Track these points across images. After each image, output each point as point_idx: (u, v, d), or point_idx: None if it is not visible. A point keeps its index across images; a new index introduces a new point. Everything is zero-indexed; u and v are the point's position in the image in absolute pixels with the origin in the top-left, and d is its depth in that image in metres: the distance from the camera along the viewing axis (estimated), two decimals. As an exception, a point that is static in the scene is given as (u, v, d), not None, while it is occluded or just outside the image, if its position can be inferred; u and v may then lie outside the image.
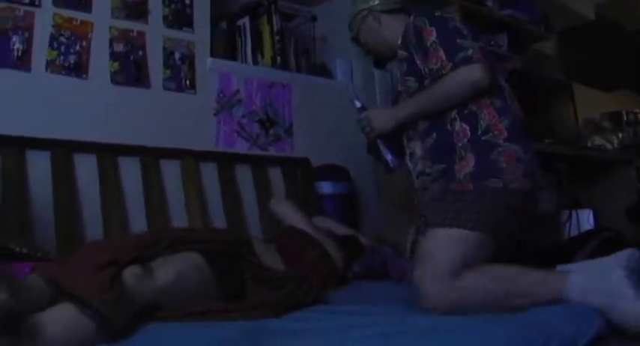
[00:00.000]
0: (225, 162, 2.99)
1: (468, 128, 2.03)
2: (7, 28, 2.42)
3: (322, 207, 3.15)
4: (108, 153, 2.59)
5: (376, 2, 2.38)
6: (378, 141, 2.30)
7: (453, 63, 2.01)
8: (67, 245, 2.31)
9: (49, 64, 2.52)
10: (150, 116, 2.78)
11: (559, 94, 4.33)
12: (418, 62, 2.15)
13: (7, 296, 1.27)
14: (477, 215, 1.85)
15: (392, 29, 2.32)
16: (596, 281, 1.61)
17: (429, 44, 2.08)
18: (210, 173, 2.92)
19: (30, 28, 2.48)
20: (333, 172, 3.24)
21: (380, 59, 2.48)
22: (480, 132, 2.00)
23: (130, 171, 2.65)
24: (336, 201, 3.18)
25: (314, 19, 3.57)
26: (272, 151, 3.23)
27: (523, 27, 4.07)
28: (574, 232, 3.94)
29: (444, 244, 1.82)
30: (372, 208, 3.51)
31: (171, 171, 2.78)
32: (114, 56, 2.71)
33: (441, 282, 1.75)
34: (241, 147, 3.11)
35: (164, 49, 2.88)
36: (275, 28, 3.27)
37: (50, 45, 2.53)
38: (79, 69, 2.59)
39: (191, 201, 2.79)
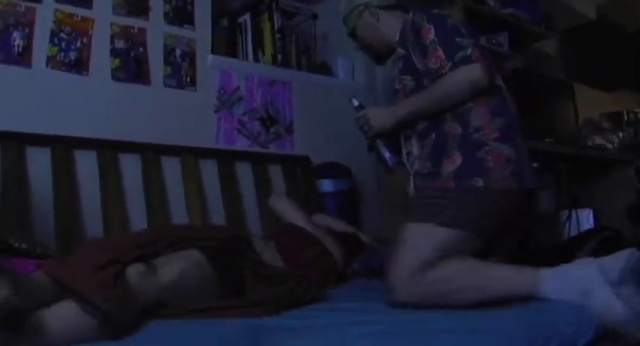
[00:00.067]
0: (226, 159, 2.99)
1: (458, 126, 2.02)
2: (8, 24, 2.42)
3: (323, 204, 3.15)
4: (108, 150, 2.59)
5: None
6: (377, 140, 2.30)
7: (452, 62, 2.00)
8: (67, 241, 2.32)
9: (50, 60, 2.52)
10: (150, 113, 2.78)
11: (560, 94, 4.33)
12: (415, 60, 2.14)
13: (10, 293, 1.27)
14: (459, 212, 1.86)
15: (389, 25, 2.31)
16: (570, 278, 1.63)
17: (428, 42, 2.07)
18: (210, 170, 2.93)
19: (31, 24, 2.48)
20: (334, 170, 3.24)
21: (378, 55, 2.47)
22: (470, 131, 1.99)
23: (130, 167, 2.65)
24: (337, 199, 3.19)
25: (315, 16, 3.57)
26: (272, 149, 3.23)
27: (524, 26, 4.06)
28: (574, 232, 3.93)
29: (419, 239, 1.84)
30: (372, 206, 3.51)
31: (171, 168, 2.78)
32: (115, 53, 2.71)
33: (411, 276, 1.77)
34: (242, 144, 3.11)
35: (165, 45, 2.88)
36: (276, 26, 3.27)
37: (51, 41, 2.53)
38: (79, 65, 2.59)
39: (191, 197, 2.79)
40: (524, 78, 3.90)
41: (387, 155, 2.30)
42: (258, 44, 3.27)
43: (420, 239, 1.84)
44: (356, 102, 2.36)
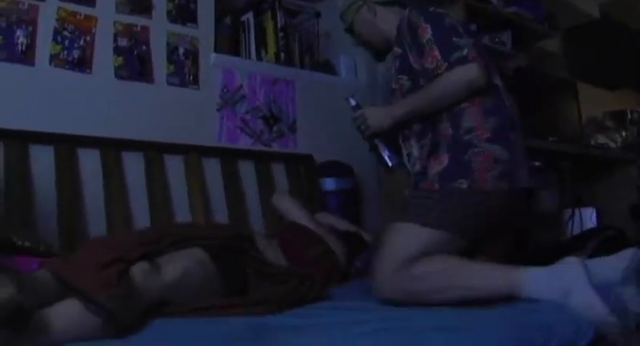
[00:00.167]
0: (228, 157, 2.99)
1: (450, 127, 2.02)
2: (11, 22, 2.42)
3: (326, 203, 3.15)
4: (111, 148, 2.59)
5: None
6: (376, 139, 2.30)
7: (449, 63, 1.99)
8: (70, 239, 2.32)
9: (53, 58, 2.52)
10: (153, 111, 2.78)
11: (563, 93, 4.33)
12: (411, 60, 2.13)
13: (15, 291, 1.27)
14: (443, 214, 1.86)
15: (387, 21, 2.29)
16: (553, 278, 1.62)
17: (424, 42, 2.06)
18: (213, 168, 2.92)
19: (34, 22, 2.48)
20: (337, 168, 3.24)
21: (377, 51, 2.46)
22: (461, 132, 1.99)
23: (133, 165, 2.65)
24: (340, 197, 3.19)
25: (318, 15, 3.57)
26: (275, 147, 3.23)
27: (527, 25, 4.06)
28: (577, 231, 3.93)
29: (404, 238, 1.86)
30: (375, 204, 3.51)
31: (174, 166, 2.79)
32: (118, 51, 2.71)
33: (395, 273, 1.79)
34: (244, 142, 3.11)
35: (168, 44, 2.88)
36: (279, 24, 3.27)
37: (54, 39, 2.53)
38: (82, 63, 2.59)
39: (194, 196, 2.79)
40: (527, 77, 3.90)
41: (386, 154, 2.30)
42: (261, 43, 3.27)
43: (405, 238, 1.86)
44: (353, 102, 2.36)
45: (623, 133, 4.55)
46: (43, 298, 1.42)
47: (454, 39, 2.01)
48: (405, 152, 2.26)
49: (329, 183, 3.19)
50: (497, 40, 3.93)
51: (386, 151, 2.29)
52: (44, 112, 2.46)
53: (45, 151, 2.41)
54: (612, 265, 1.62)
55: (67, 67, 2.55)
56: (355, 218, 3.16)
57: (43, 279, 1.51)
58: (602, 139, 4.45)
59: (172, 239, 1.80)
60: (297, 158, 3.26)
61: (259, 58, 3.25)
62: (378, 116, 2.23)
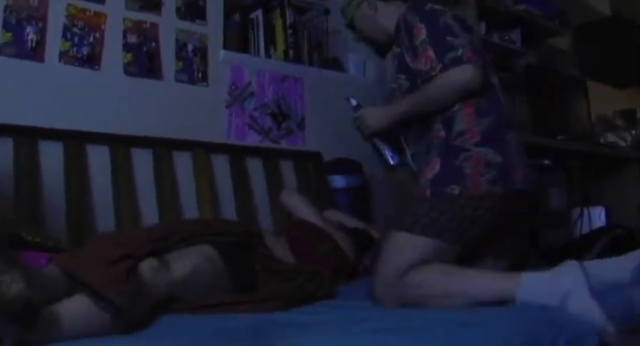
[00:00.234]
0: (237, 154, 2.99)
1: (442, 130, 2.01)
2: (21, 18, 2.43)
3: (334, 200, 3.15)
4: (120, 145, 2.60)
5: None
6: (375, 139, 2.30)
7: (443, 64, 1.96)
8: (79, 235, 2.32)
9: (63, 55, 2.52)
10: (162, 108, 2.78)
11: (573, 90, 4.32)
12: (408, 60, 2.12)
13: (24, 286, 1.27)
14: (436, 222, 1.85)
15: (388, 17, 2.28)
16: (549, 284, 1.60)
17: (418, 43, 2.03)
18: (221, 165, 2.93)
19: (43, 19, 2.48)
20: (345, 166, 3.24)
21: (379, 47, 2.45)
22: (453, 136, 1.97)
23: (142, 162, 2.66)
24: (349, 195, 3.18)
25: (327, 12, 3.56)
26: (284, 145, 3.23)
27: (537, 22, 4.04)
28: (586, 229, 3.92)
29: (398, 248, 1.85)
30: (383, 202, 3.50)
31: (182, 163, 2.79)
32: (127, 47, 2.71)
33: (388, 285, 1.79)
34: (253, 140, 3.11)
35: (177, 40, 2.88)
36: (288, 22, 3.27)
37: (64, 36, 2.53)
38: (92, 60, 2.60)
39: (202, 192, 2.79)
40: (537, 74, 3.89)
41: (387, 153, 2.30)
42: (270, 40, 3.27)
43: (399, 248, 1.85)
44: (354, 102, 2.37)
45: (633, 132, 4.53)
46: (52, 294, 1.42)
47: (449, 39, 1.98)
48: (409, 152, 2.25)
49: (338, 181, 3.19)
50: (507, 37, 3.91)
51: (387, 150, 2.29)
52: (53, 109, 2.47)
53: (54, 147, 2.42)
54: (621, 266, 1.60)
55: (76, 63, 2.55)
56: (364, 215, 3.15)
57: (52, 275, 1.51)
58: (611, 138, 4.44)
59: (181, 235, 1.80)
60: (305, 155, 3.26)
61: (268, 55, 3.25)
62: (376, 116, 2.23)
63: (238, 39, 3.20)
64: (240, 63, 3.12)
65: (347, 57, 3.64)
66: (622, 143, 4.41)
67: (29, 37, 2.44)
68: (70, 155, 2.44)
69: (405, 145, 2.26)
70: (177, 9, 2.89)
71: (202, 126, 2.91)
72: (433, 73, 1.98)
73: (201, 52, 2.96)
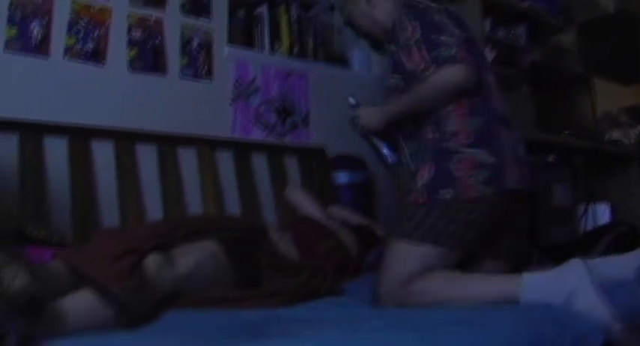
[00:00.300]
0: (241, 150, 3.00)
1: (433, 131, 2.00)
2: (26, 14, 2.43)
3: (338, 196, 3.15)
4: (125, 140, 2.60)
5: None
6: (373, 138, 2.30)
7: (436, 64, 1.93)
8: (84, 230, 2.33)
9: (68, 51, 2.53)
10: (167, 103, 2.79)
11: (578, 87, 4.30)
12: (403, 59, 2.10)
13: (28, 281, 1.28)
14: (433, 228, 1.84)
15: (386, 13, 2.24)
16: (553, 283, 1.59)
17: (412, 42, 2.01)
18: (226, 161, 2.93)
19: (49, 14, 2.49)
20: (349, 162, 3.23)
21: (378, 42, 2.43)
22: (445, 137, 1.95)
23: (146, 157, 2.66)
24: (353, 191, 3.18)
25: (332, 8, 3.55)
26: (288, 140, 3.23)
27: (543, 18, 4.03)
28: (590, 226, 3.91)
29: (401, 258, 1.86)
30: (387, 198, 3.50)
31: (187, 159, 2.79)
32: (131, 43, 2.71)
33: (392, 293, 1.81)
34: (257, 135, 3.11)
35: (182, 36, 2.88)
36: (293, 18, 3.27)
37: (68, 31, 2.53)
38: (96, 55, 2.60)
39: (207, 188, 2.79)
40: (542, 71, 3.88)
41: (385, 151, 2.29)
42: (275, 36, 3.27)
43: (401, 257, 1.86)
44: (353, 101, 2.36)
45: (638, 129, 4.51)
46: (56, 289, 1.43)
47: (442, 38, 1.95)
48: (407, 152, 2.24)
49: (342, 177, 3.19)
50: (512, 33, 3.90)
51: (385, 149, 2.29)
52: (58, 104, 2.47)
53: (59, 143, 2.43)
54: (625, 264, 1.59)
55: (81, 59, 2.56)
56: (368, 211, 3.15)
57: (56, 270, 1.52)
58: (616, 135, 4.42)
59: (185, 231, 1.80)
60: (309, 151, 3.26)
61: (273, 50, 3.25)
62: (371, 116, 2.23)
63: (243, 35, 3.19)
64: (245, 59, 3.12)
65: (352, 53, 3.64)
66: (626, 141, 4.39)
67: (34, 33, 2.44)
68: (74, 150, 2.45)
69: (403, 144, 2.25)
70: (182, 5, 2.90)
71: (207, 122, 2.91)
72: (427, 73, 1.95)
73: (206, 47, 2.96)
